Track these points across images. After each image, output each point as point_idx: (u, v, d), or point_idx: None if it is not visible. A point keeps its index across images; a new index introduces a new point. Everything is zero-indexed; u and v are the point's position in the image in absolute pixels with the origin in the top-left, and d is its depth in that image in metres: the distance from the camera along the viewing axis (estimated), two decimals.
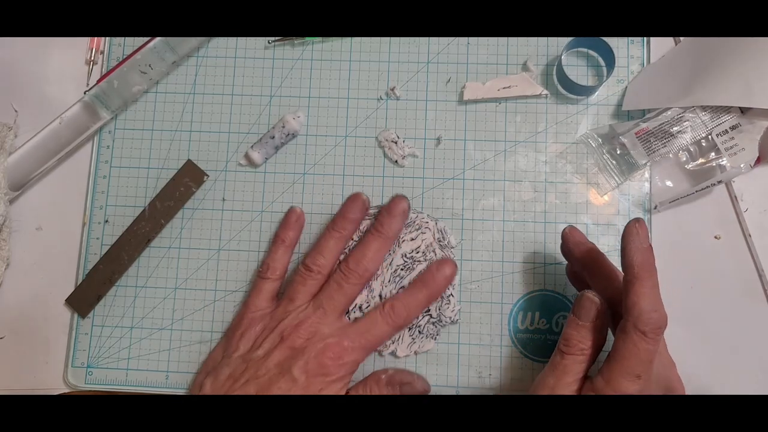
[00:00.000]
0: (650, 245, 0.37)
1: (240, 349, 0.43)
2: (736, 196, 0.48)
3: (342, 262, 0.45)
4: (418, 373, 0.46)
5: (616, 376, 0.36)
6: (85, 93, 0.49)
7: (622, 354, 0.35)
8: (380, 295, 0.46)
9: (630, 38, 0.50)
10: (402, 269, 0.47)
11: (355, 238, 0.47)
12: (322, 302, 0.44)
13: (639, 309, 0.35)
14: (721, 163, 0.46)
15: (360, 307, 0.46)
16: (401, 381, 0.44)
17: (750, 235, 0.47)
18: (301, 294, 0.44)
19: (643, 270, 0.36)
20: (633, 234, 0.36)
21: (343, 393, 0.43)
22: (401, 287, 0.46)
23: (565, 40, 0.49)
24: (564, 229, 0.43)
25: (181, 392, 0.47)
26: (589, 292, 0.38)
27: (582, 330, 0.38)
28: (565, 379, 0.37)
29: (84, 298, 0.48)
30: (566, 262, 0.46)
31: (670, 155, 0.47)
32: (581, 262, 0.42)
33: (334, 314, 0.43)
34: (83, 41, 0.52)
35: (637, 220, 0.37)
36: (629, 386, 0.35)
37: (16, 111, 0.51)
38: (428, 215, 0.48)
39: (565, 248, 0.44)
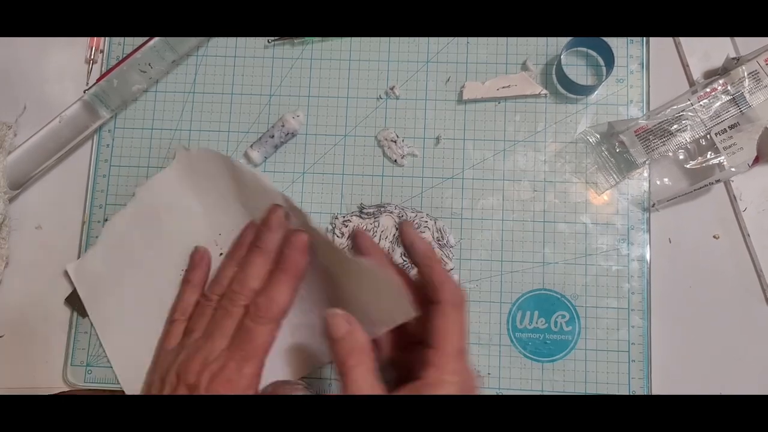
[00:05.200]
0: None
1: (152, 392, 0.42)
2: (734, 196, 0.48)
3: (227, 287, 0.42)
4: (296, 383, 0.43)
5: (446, 360, 0.34)
6: (84, 92, 0.49)
7: (442, 334, 0.35)
8: None
9: (629, 38, 0.50)
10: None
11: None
12: (210, 331, 0.41)
13: (448, 284, 0.36)
14: (720, 162, 0.46)
15: None
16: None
17: (749, 235, 0.47)
18: (199, 325, 0.42)
19: (433, 255, 0.37)
20: (408, 230, 0.38)
21: None
22: None
23: (564, 40, 0.49)
24: (401, 225, 0.39)
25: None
26: (335, 310, 0.36)
27: (345, 344, 0.35)
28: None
29: None
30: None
31: (669, 154, 0.47)
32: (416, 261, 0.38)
33: (222, 341, 0.40)
34: (83, 40, 0.52)
35: (403, 222, 0.38)
36: (456, 364, 0.34)
37: (25, 107, 0.50)
38: (427, 214, 0.48)
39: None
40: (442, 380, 0.34)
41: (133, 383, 0.46)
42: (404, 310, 0.36)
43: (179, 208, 0.47)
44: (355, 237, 0.40)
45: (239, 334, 0.40)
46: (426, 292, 0.37)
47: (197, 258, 0.46)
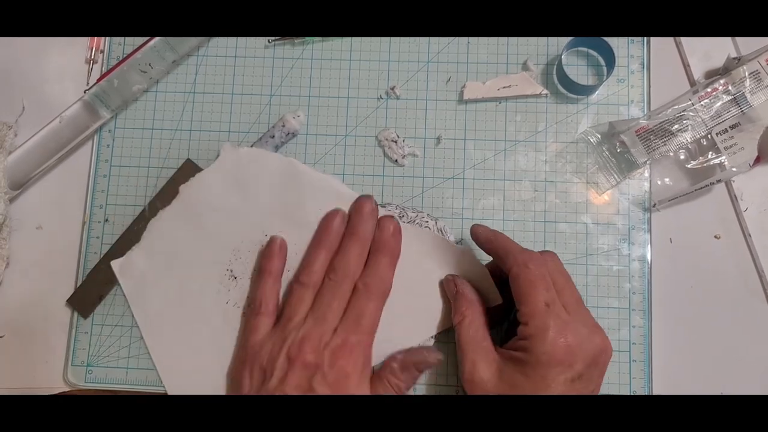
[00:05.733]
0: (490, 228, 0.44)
1: (252, 386, 0.42)
2: (735, 196, 0.48)
3: (329, 271, 0.44)
4: (427, 347, 0.45)
5: (529, 316, 0.39)
6: (85, 92, 0.49)
7: (520, 293, 0.39)
8: None
9: (630, 38, 0.50)
10: None
11: None
12: (320, 312, 0.43)
13: (512, 252, 0.41)
14: (721, 161, 0.46)
15: None
16: (414, 362, 0.43)
17: (750, 235, 0.47)
18: (300, 311, 0.43)
19: (496, 234, 0.43)
20: (476, 227, 0.44)
21: (368, 384, 0.42)
22: None
23: (565, 40, 0.49)
24: (471, 227, 0.45)
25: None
26: (448, 274, 0.45)
27: (456, 301, 0.43)
28: (474, 347, 0.41)
29: (85, 299, 0.48)
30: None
31: (670, 154, 0.47)
32: (486, 249, 0.44)
33: (334, 321, 0.42)
34: (83, 40, 0.52)
35: (474, 225, 0.44)
36: (545, 319, 0.38)
37: (23, 108, 0.51)
38: (428, 214, 0.48)
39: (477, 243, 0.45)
40: (527, 335, 0.38)
41: (175, 380, 0.47)
42: (492, 297, 0.44)
43: (223, 207, 0.48)
44: (474, 230, 0.44)
45: (352, 312, 0.43)
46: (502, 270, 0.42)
47: (276, 248, 0.46)
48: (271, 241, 0.46)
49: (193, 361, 0.47)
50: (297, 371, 0.40)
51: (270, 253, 0.46)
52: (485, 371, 0.39)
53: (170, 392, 0.47)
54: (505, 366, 0.39)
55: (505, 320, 0.45)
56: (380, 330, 0.44)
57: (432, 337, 0.46)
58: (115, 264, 0.48)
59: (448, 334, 0.47)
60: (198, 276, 0.47)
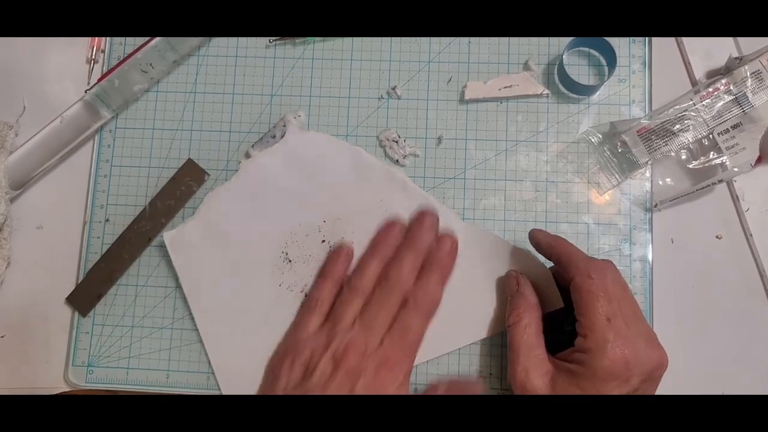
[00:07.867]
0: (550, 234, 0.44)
1: (291, 380, 0.42)
2: (737, 196, 0.48)
3: (381, 279, 0.44)
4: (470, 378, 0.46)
5: (589, 329, 0.38)
6: (85, 92, 0.49)
7: (582, 304, 0.39)
8: None
9: (631, 38, 0.50)
10: None
11: None
12: (368, 319, 0.42)
13: (575, 260, 0.40)
14: (723, 162, 0.46)
15: None
16: (457, 393, 0.43)
17: (751, 235, 0.47)
18: (348, 315, 0.43)
19: (557, 239, 0.43)
20: (535, 232, 0.44)
21: None
22: None
23: (566, 40, 0.49)
24: (530, 232, 0.44)
25: (181, 391, 0.47)
26: (511, 270, 0.45)
27: (513, 300, 0.43)
28: (527, 353, 0.40)
29: (85, 297, 0.48)
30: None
31: (672, 154, 0.47)
32: (547, 254, 0.44)
33: (381, 330, 0.42)
34: (84, 40, 0.52)
35: (533, 229, 0.44)
36: (606, 333, 0.38)
37: (24, 107, 0.51)
38: None
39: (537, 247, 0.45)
40: (585, 348, 0.38)
41: (221, 357, 0.47)
42: (553, 300, 0.43)
43: (284, 188, 0.48)
44: (534, 234, 0.44)
45: (399, 326, 0.42)
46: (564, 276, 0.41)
47: (343, 254, 0.46)
48: (340, 246, 0.47)
49: (242, 340, 0.46)
50: (341, 376, 0.40)
51: (336, 257, 0.46)
52: (538, 380, 0.39)
53: (216, 369, 0.47)
54: (559, 377, 0.39)
55: (559, 330, 0.43)
56: (435, 327, 0.44)
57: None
58: (167, 236, 0.48)
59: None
60: (252, 256, 0.47)
